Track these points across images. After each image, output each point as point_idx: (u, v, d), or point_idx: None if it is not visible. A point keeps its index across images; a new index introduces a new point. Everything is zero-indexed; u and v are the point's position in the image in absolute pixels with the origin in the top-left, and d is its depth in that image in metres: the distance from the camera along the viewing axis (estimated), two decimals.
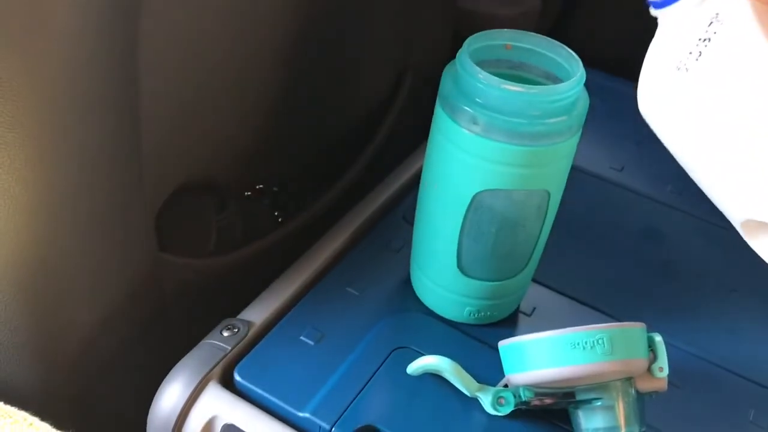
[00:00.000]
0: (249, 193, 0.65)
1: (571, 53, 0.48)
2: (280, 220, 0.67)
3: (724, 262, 0.63)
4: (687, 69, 0.41)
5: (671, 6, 0.41)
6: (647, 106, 0.43)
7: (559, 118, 0.46)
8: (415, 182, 0.66)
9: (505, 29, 0.49)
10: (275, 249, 0.64)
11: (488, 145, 0.46)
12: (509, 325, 0.55)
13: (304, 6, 0.59)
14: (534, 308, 0.57)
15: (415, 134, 0.71)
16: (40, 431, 0.42)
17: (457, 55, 0.47)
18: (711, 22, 0.40)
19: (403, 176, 0.67)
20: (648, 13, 0.48)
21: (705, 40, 0.40)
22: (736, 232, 0.55)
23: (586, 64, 0.47)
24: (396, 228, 0.62)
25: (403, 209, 0.63)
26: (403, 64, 0.77)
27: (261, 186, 0.65)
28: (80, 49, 0.42)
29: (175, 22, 0.49)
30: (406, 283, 0.57)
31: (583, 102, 0.47)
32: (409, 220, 0.62)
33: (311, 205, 0.67)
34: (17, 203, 0.43)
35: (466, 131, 0.46)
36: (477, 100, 0.46)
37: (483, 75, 0.45)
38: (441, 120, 0.48)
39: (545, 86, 0.46)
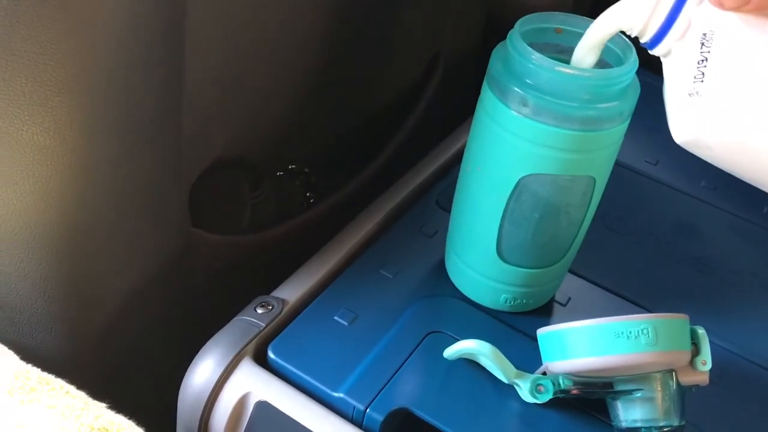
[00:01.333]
0: (281, 172, 0.64)
1: (623, 38, 0.47)
2: (311, 200, 0.66)
3: (757, 259, 0.62)
4: (698, 93, 0.41)
5: (661, 43, 0.43)
6: (680, 136, 0.44)
7: (610, 104, 0.45)
8: (449, 167, 0.66)
9: (557, 12, 0.48)
10: (307, 229, 0.63)
11: (537, 128, 0.45)
12: (544, 314, 0.55)
13: None
14: (569, 298, 0.56)
15: (447, 118, 0.71)
16: (76, 399, 0.41)
17: (508, 35, 0.46)
18: (702, 44, 0.41)
19: (437, 161, 0.66)
20: None
21: (703, 61, 0.41)
22: None
23: None
24: (429, 213, 0.61)
25: (436, 194, 0.63)
26: (436, 48, 0.76)
27: (293, 166, 0.65)
28: (128, 14, 0.41)
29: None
30: (440, 267, 0.56)
31: (635, 88, 0.47)
32: (442, 205, 0.61)
33: (342, 188, 0.67)
34: (58, 166, 0.43)
35: (515, 113, 0.45)
36: (527, 81, 0.45)
37: (536, 56, 0.44)
38: (488, 101, 0.47)
39: (599, 70, 0.45)
